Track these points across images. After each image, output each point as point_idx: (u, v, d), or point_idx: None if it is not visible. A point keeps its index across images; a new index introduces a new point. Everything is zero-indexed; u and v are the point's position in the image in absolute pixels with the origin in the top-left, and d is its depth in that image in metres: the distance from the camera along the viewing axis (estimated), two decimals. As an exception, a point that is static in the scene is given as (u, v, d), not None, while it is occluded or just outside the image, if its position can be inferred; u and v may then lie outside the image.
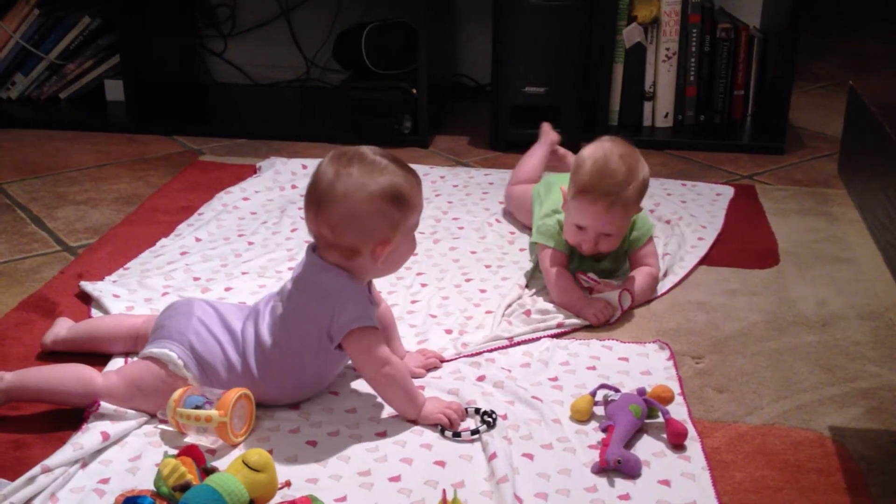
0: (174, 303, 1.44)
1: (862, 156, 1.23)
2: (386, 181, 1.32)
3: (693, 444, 1.32)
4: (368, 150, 1.35)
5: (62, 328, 1.52)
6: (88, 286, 1.72)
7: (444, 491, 1.19)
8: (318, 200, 1.33)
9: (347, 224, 1.31)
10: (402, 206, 1.33)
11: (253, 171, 2.37)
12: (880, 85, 1.29)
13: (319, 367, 1.38)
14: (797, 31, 2.47)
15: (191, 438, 1.30)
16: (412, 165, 2.35)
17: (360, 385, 1.44)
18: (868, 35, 3.86)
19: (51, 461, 1.22)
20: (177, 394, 1.30)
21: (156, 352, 1.35)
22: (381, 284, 1.77)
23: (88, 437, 1.28)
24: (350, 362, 1.41)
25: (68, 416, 1.34)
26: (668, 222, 2.07)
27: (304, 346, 1.35)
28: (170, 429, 1.31)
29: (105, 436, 1.28)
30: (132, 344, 1.48)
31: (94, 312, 1.66)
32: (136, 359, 1.40)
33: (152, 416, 1.35)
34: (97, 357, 1.48)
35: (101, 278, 1.77)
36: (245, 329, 1.37)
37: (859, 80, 1.33)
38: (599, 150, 1.68)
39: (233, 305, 1.45)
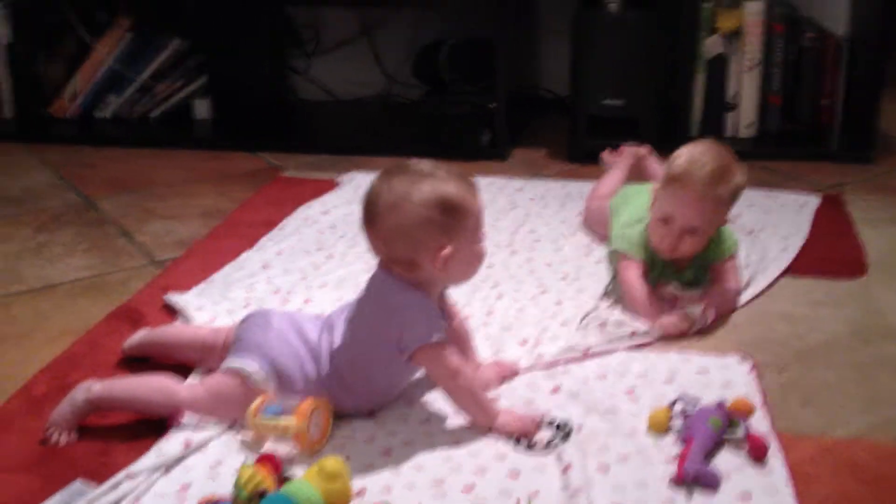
0: (251, 314, 1.46)
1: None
2: (429, 188, 1.30)
3: (775, 457, 1.29)
4: (415, 161, 1.34)
5: (139, 334, 1.57)
6: (174, 298, 1.76)
7: (518, 500, 1.19)
8: (369, 217, 1.33)
9: (396, 236, 1.31)
10: (451, 211, 1.30)
11: (333, 185, 2.41)
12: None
13: (391, 378, 1.39)
14: (886, 38, 2.41)
15: (269, 446, 1.32)
16: (490, 178, 2.43)
17: (435, 395, 1.45)
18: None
19: (135, 467, 1.26)
20: (255, 403, 1.32)
21: (237, 365, 1.37)
22: (456, 296, 1.78)
23: (171, 444, 1.31)
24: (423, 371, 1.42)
25: (152, 424, 1.37)
26: (750, 232, 2.03)
27: (374, 358, 1.36)
28: (250, 437, 1.33)
29: (188, 443, 1.31)
30: (199, 354, 1.50)
31: (180, 323, 1.70)
32: (217, 372, 1.42)
33: (234, 425, 1.38)
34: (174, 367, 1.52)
35: (186, 290, 1.82)
36: (321, 339, 1.39)
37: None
38: (698, 145, 1.68)
39: (309, 315, 1.47)
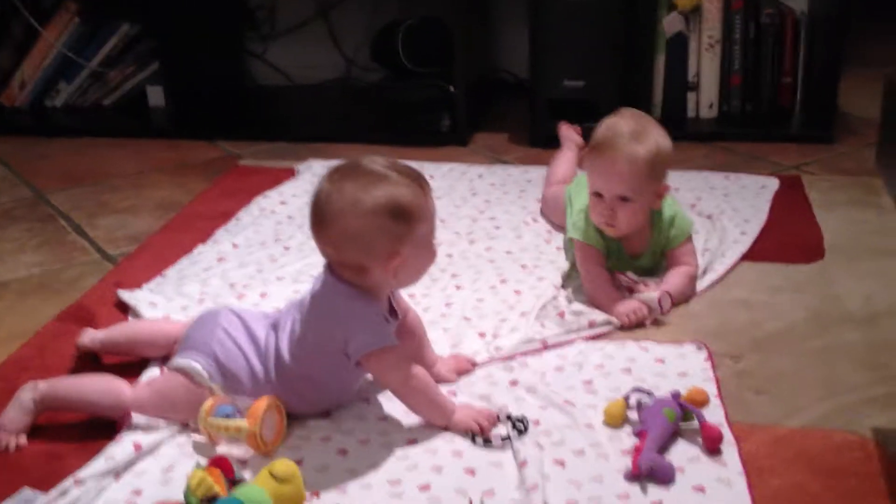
0: (201, 313, 1.44)
1: (899, 149, 1.19)
2: (382, 195, 1.26)
3: (729, 448, 1.29)
4: (367, 161, 1.29)
5: (99, 332, 1.54)
6: (125, 295, 1.73)
7: (470, 501, 1.18)
8: (317, 220, 1.29)
9: (347, 242, 1.28)
10: (404, 217, 1.27)
11: (291, 174, 2.37)
12: (919, 74, 1.24)
13: (338, 382, 1.38)
14: (846, 15, 2.40)
15: (223, 448, 1.30)
16: (450, 164, 2.40)
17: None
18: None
19: (83, 473, 1.24)
20: (207, 404, 1.30)
21: (181, 363, 1.35)
22: (415, 288, 1.76)
23: (121, 448, 1.29)
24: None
25: (103, 426, 1.35)
26: (709, 217, 2.02)
27: (320, 362, 1.34)
28: (202, 439, 1.31)
29: (138, 447, 1.29)
30: (170, 349, 1.47)
31: (131, 320, 1.68)
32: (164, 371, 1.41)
33: (185, 426, 1.36)
34: (128, 366, 1.49)
35: (139, 286, 1.79)
36: (268, 338, 1.37)
37: (899, 68, 1.29)
38: (614, 115, 1.69)
39: (258, 312, 1.45)
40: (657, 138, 1.65)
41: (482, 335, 1.61)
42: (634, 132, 1.64)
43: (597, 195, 1.67)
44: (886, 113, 1.27)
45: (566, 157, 2.12)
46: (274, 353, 1.35)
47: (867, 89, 2.72)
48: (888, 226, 1.94)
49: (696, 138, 2.54)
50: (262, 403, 1.28)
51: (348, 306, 1.31)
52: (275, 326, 1.38)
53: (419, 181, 1.31)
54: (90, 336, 1.54)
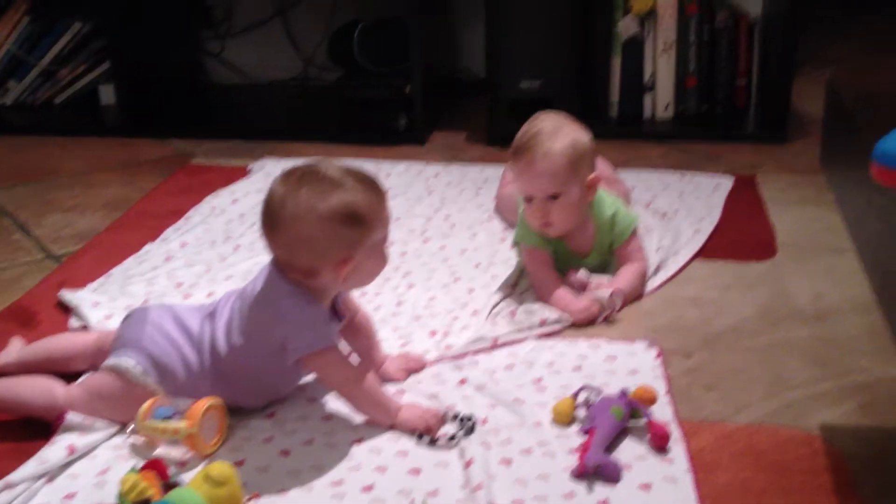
0: (131, 312, 1.40)
1: (839, 149, 1.19)
2: (337, 201, 1.24)
3: (677, 445, 1.28)
4: (322, 166, 1.27)
5: (12, 350, 1.48)
6: (68, 295, 1.69)
7: (412, 501, 1.16)
8: (270, 222, 1.27)
9: (300, 246, 1.26)
10: (358, 224, 1.26)
11: (244, 172, 2.34)
12: (859, 75, 1.24)
13: (276, 377, 1.35)
14: (797, 17, 2.41)
15: (161, 450, 1.27)
16: (406, 163, 2.38)
17: (338, 391, 1.41)
18: (885, 17, 3.77)
19: (13, 477, 1.20)
20: (145, 406, 1.26)
21: (112, 362, 1.32)
22: (368, 286, 1.73)
23: (54, 450, 1.25)
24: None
25: (38, 428, 1.31)
26: (663, 216, 2.02)
27: (258, 357, 1.31)
28: (140, 441, 1.28)
29: (71, 449, 1.26)
30: (91, 360, 1.43)
31: (73, 322, 1.64)
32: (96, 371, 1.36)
33: (122, 427, 1.32)
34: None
35: (83, 286, 1.75)
36: (203, 328, 1.34)
37: (844, 68, 1.29)
38: (531, 119, 1.69)
39: (190, 306, 1.41)
40: (572, 132, 1.65)
41: (433, 333, 1.59)
42: (550, 131, 1.64)
43: (528, 199, 1.67)
44: (828, 114, 1.27)
45: None
46: (209, 342, 1.32)
47: (820, 90, 2.75)
48: (839, 224, 1.95)
49: (652, 138, 2.55)
50: (202, 404, 1.25)
51: (290, 305, 1.28)
52: (210, 316, 1.35)
53: (375, 187, 1.30)
54: (2, 360, 1.46)
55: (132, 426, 1.29)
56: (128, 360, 1.31)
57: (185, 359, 1.32)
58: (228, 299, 1.36)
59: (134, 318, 1.37)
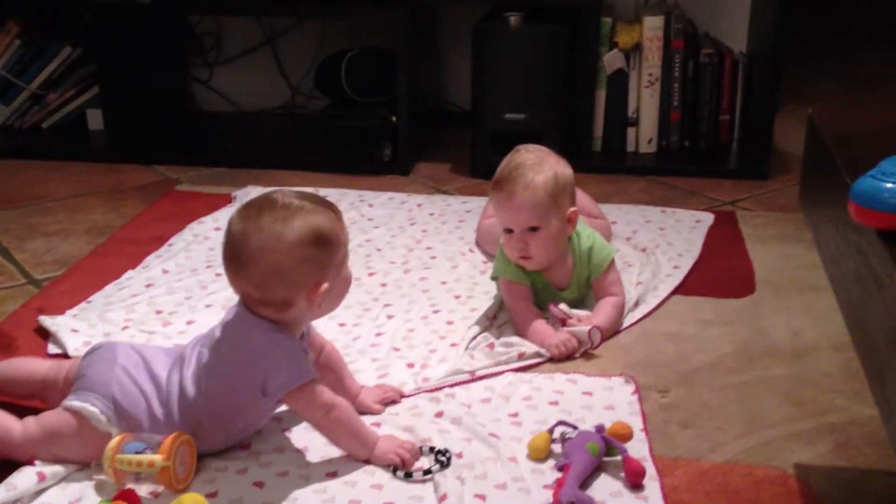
0: (97, 347, 1.37)
1: (817, 187, 1.20)
2: (302, 225, 1.25)
3: (652, 483, 1.28)
4: (278, 195, 1.28)
5: None
6: (47, 321, 1.69)
7: (384, 535, 1.16)
8: (234, 260, 1.26)
9: (273, 279, 1.25)
10: (325, 245, 1.27)
11: (228, 200, 2.35)
12: (838, 114, 1.25)
13: (249, 418, 1.34)
14: (781, 54, 2.44)
15: (130, 486, 1.25)
16: (390, 193, 2.39)
17: (314, 422, 1.41)
18: (867, 56, 3.82)
19: (-16, 504, 1.20)
20: (114, 441, 1.25)
21: (77, 405, 1.29)
22: (346, 317, 1.75)
23: (23, 477, 1.24)
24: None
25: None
26: (643, 250, 2.03)
27: (232, 399, 1.30)
28: (105, 478, 1.26)
29: (41, 476, 1.25)
30: (38, 389, 1.40)
31: (52, 348, 1.63)
32: (56, 409, 1.33)
33: (89, 463, 1.30)
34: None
35: (63, 312, 1.75)
36: (170, 378, 1.31)
37: (824, 107, 1.30)
38: (512, 152, 1.71)
39: (160, 349, 1.40)
40: (554, 166, 1.67)
41: (410, 365, 1.59)
42: (532, 164, 1.66)
43: (507, 231, 1.68)
44: (808, 152, 1.28)
45: None
46: (178, 392, 1.30)
47: (801, 127, 2.77)
48: (818, 262, 1.95)
49: (634, 172, 2.57)
50: (175, 438, 1.25)
51: (266, 342, 1.28)
52: (178, 364, 1.33)
53: (332, 207, 1.31)
54: None
55: (97, 462, 1.27)
56: (94, 406, 1.28)
57: (151, 411, 1.30)
58: (196, 345, 1.34)
59: (101, 356, 1.34)
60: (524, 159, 1.67)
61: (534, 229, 1.65)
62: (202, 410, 1.30)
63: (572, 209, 1.68)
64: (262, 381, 1.27)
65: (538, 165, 1.65)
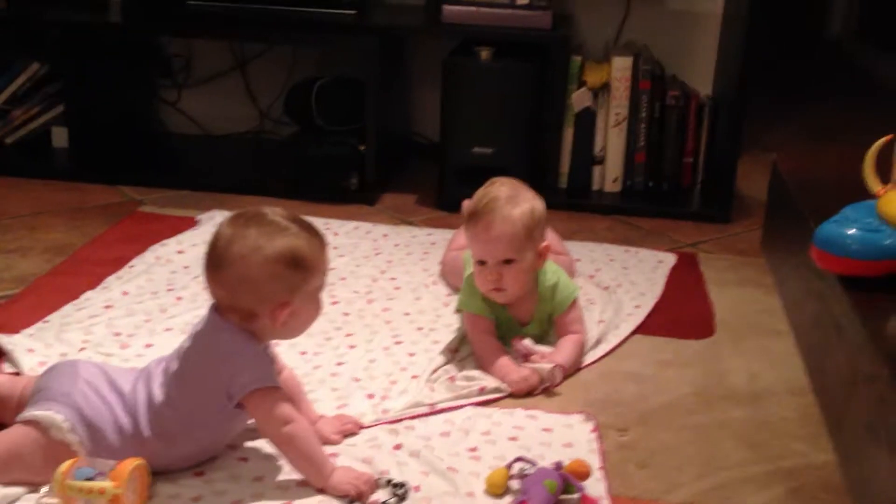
0: (56, 364, 1.37)
1: (780, 232, 1.22)
2: (283, 244, 1.29)
3: (608, 522, 1.28)
4: (269, 211, 1.32)
5: None
6: (2, 339, 1.66)
7: (339, 569, 1.14)
8: (214, 262, 1.30)
9: (242, 287, 1.29)
10: (301, 269, 1.30)
11: (192, 223, 2.33)
12: (801, 160, 1.28)
13: (217, 426, 1.34)
14: (745, 100, 2.48)
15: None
16: (355, 223, 2.39)
17: (271, 452, 1.39)
18: (826, 105, 3.90)
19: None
20: (64, 466, 1.22)
21: (38, 414, 1.27)
22: (307, 345, 1.73)
23: (-28, 501, 1.22)
24: (252, 422, 1.36)
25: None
26: (606, 288, 2.05)
27: (201, 404, 1.30)
28: (55, 503, 1.23)
29: (-8, 500, 1.23)
30: None
31: (6, 367, 1.61)
32: (12, 425, 1.31)
33: (34, 488, 1.27)
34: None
35: (18, 331, 1.72)
36: (136, 389, 1.31)
37: (787, 154, 1.33)
38: (487, 184, 1.72)
39: (121, 368, 1.40)
40: (531, 200, 1.69)
41: (370, 396, 1.59)
42: (508, 197, 1.67)
43: (480, 263, 1.68)
44: (772, 198, 1.31)
45: None
46: (145, 402, 1.30)
47: (765, 172, 2.82)
48: (777, 306, 1.99)
49: (599, 211, 2.59)
50: (128, 464, 1.22)
51: (234, 342, 1.30)
52: (144, 377, 1.33)
53: (318, 235, 1.34)
54: None
55: (47, 487, 1.24)
56: (57, 415, 1.27)
57: (117, 421, 1.29)
58: (160, 363, 1.35)
59: (61, 370, 1.33)
60: (499, 193, 1.68)
61: (508, 262, 1.66)
62: (171, 419, 1.30)
63: (544, 244, 1.70)
64: (228, 381, 1.28)
65: (514, 199, 1.67)
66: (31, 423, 1.28)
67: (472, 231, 1.68)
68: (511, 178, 1.75)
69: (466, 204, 2.16)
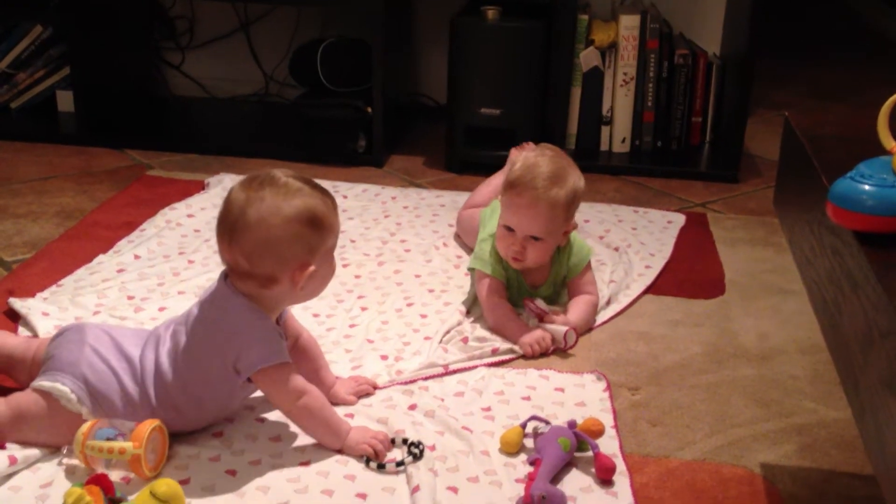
0: (65, 329, 1.36)
1: (793, 189, 1.22)
2: (301, 203, 1.28)
3: (621, 479, 1.30)
4: (280, 174, 1.31)
5: None
6: (17, 303, 1.67)
7: (358, 526, 1.16)
8: (230, 228, 1.28)
9: (264, 250, 1.27)
10: (318, 228, 1.29)
11: (201, 186, 2.33)
12: (813, 117, 1.27)
13: (223, 398, 1.34)
14: (754, 59, 2.47)
15: (101, 472, 1.25)
16: (364, 185, 2.39)
17: (287, 412, 1.40)
18: (835, 63, 3.88)
19: (-48, 488, 1.18)
20: (85, 426, 1.24)
21: (47, 385, 1.28)
22: (320, 307, 1.74)
23: (-5, 460, 1.24)
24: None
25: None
26: (616, 249, 2.05)
27: (207, 377, 1.30)
28: (76, 462, 1.25)
29: (13, 460, 1.24)
30: (5, 364, 1.40)
31: (21, 331, 1.62)
32: (25, 390, 1.32)
33: (59, 447, 1.29)
34: None
35: (33, 295, 1.73)
36: (144, 356, 1.32)
37: (799, 111, 1.32)
38: (533, 152, 1.70)
39: (129, 330, 1.40)
40: (575, 180, 1.68)
41: (384, 358, 1.60)
42: (553, 174, 1.65)
43: (507, 228, 1.68)
44: (784, 155, 1.30)
45: (494, 182, 2.07)
46: (153, 370, 1.31)
47: (773, 132, 2.82)
48: (787, 265, 1.99)
49: (608, 171, 2.59)
50: (147, 425, 1.24)
51: (242, 319, 1.29)
52: (153, 343, 1.33)
53: (329, 195, 1.34)
54: None
55: (68, 447, 1.26)
56: (63, 386, 1.28)
57: (124, 389, 1.30)
58: (170, 325, 1.35)
59: (69, 337, 1.33)
60: (547, 168, 1.66)
61: (536, 238, 1.66)
62: (177, 389, 1.30)
63: (573, 223, 1.70)
64: (235, 357, 1.28)
65: (562, 179, 1.66)
66: (41, 392, 1.29)
67: (511, 199, 1.67)
68: (556, 148, 1.74)
69: (514, 154, 2.05)
